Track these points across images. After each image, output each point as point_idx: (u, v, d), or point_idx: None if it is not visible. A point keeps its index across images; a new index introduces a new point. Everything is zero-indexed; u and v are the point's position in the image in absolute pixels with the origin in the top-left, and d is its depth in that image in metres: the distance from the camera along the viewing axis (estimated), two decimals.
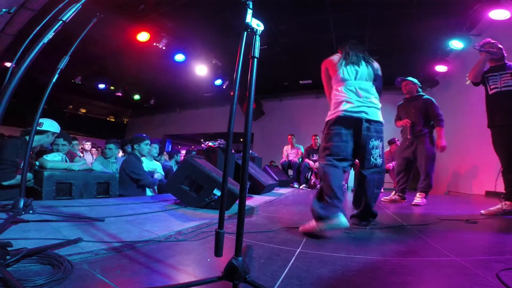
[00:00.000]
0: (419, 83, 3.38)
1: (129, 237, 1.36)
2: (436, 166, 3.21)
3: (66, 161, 2.99)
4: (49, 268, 0.90)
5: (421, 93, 3.37)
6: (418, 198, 3.15)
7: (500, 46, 2.47)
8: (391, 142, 5.40)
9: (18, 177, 2.18)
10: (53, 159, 2.76)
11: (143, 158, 3.62)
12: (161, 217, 1.91)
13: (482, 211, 2.44)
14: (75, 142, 3.15)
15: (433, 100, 3.23)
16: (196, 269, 1.08)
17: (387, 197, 3.44)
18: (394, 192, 3.45)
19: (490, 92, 2.50)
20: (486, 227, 2.01)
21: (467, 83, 2.71)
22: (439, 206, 3.24)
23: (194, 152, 5.68)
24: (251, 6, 0.91)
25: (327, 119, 1.85)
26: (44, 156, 2.71)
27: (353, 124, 1.75)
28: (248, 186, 3.57)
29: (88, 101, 10.98)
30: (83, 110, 11.71)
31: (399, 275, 1.03)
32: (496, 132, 2.48)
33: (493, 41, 2.51)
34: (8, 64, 6.56)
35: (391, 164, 5.13)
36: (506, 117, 2.37)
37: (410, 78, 3.37)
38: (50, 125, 2.51)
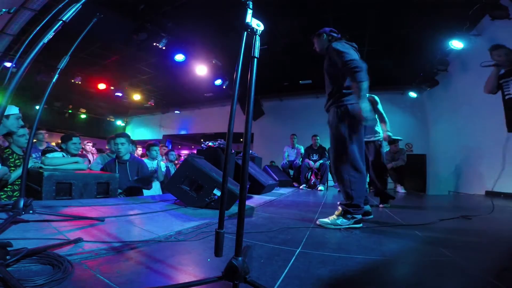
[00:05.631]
0: (327, 30, 2.06)
1: (129, 237, 1.36)
2: (435, 166, 3.08)
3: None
4: (49, 268, 0.90)
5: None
6: (328, 219, 1.82)
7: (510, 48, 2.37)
8: (391, 142, 5.36)
9: None
10: (53, 156, 2.82)
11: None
12: (161, 217, 1.91)
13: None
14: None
15: (337, 44, 1.88)
16: (196, 269, 1.08)
17: None
18: None
19: (507, 98, 2.46)
20: (486, 227, 2.01)
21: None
22: (439, 206, 3.24)
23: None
24: (251, 6, 0.91)
25: None
26: (46, 155, 2.75)
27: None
28: (248, 186, 3.56)
29: (88, 101, 10.98)
30: (83, 110, 11.72)
31: (399, 275, 1.03)
32: None
33: (500, 46, 2.39)
34: (8, 64, 6.56)
35: (390, 165, 5.13)
36: None
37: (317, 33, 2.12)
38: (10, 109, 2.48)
